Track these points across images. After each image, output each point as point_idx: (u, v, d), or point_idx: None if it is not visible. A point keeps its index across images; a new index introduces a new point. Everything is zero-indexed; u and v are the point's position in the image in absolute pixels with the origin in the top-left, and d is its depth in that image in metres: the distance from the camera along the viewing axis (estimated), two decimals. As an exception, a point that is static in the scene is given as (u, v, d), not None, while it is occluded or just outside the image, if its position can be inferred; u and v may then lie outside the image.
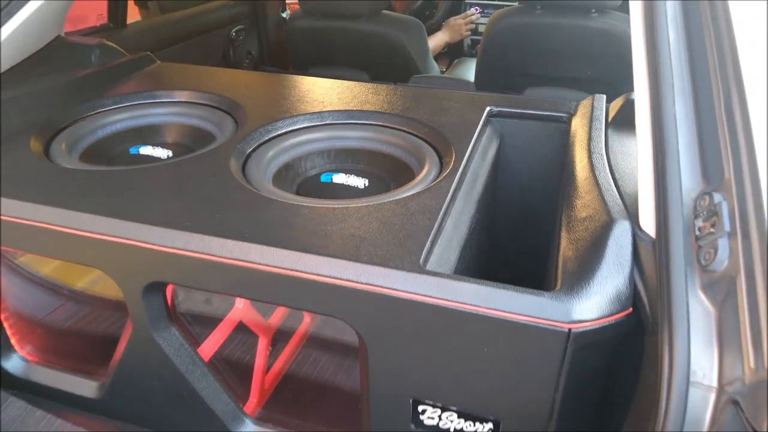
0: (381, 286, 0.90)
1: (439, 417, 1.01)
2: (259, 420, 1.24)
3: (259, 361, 1.40)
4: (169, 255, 1.00)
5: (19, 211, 1.08)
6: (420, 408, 1.01)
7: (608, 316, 0.85)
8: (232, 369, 1.34)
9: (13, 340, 1.39)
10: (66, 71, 1.56)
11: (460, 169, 1.17)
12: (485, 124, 1.41)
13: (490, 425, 0.98)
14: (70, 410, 1.32)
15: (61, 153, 1.30)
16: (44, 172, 1.19)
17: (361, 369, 1.02)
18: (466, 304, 0.86)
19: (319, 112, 1.43)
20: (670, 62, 0.93)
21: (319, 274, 0.92)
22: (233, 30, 2.84)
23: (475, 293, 0.87)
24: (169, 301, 1.14)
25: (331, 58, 2.69)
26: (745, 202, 0.78)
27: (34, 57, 1.55)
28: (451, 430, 1.01)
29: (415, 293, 0.88)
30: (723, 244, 0.79)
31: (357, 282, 0.91)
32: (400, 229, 1.00)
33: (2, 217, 1.09)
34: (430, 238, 0.98)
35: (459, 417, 0.99)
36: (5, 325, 1.37)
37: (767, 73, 0.83)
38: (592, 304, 0.84)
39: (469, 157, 1.24)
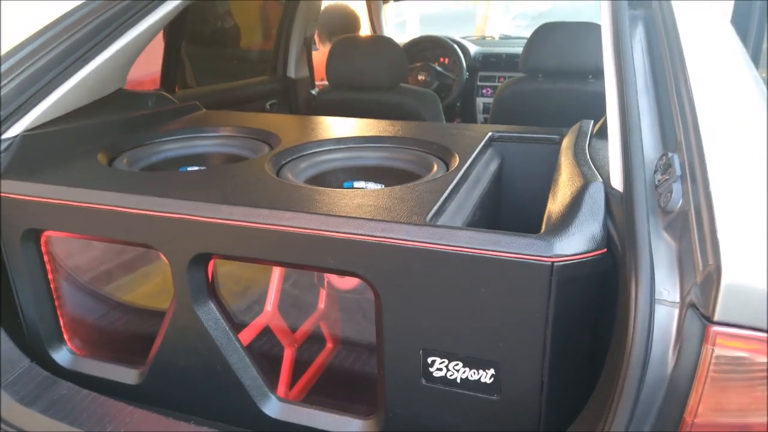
0: (391, 238, 1.06)
1: (447, 368, 1.12)
2: (284, 397, 1.35)
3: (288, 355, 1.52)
4: (213, 226, 1.18)
5: (83, 197, 1.28)
6: (429, 359, 1.12)
7: (585, 253, 0.99)
8: (262, 358, 1.47)
9: (65, 336, 1.54)
10: (126, 112, 1.83)
11: (464, 167, 1.36)
12: (487, 145, 1.61)
13: (491, 371, 1.09)
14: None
15: (123, 166, 1.53)
16: (110, 174, 1.41)
17: (377, 325, 1.15)
18: (463, 247, 1.02)
19: (343, 138, 1.65)
20: (633, 61, 1.14)
21: (339, 232, 1.09)
22: (268, 103, 3.17)
23: (470, 238, 1.02)
24: (210, 277, 1.30)
25: (354, 126, 2.99)
26: (692, 156, 0.94)
27: (98, 102, 1.82)
28: (458, 380, 1.12)
29: (420, 241, 1.04)
30: (677, 187, 0.94)
31: (371, 236, 1.07)
32: (410, 201, 1.17)
33: (68, 203, 1.29)
34: (435, 208, 1.15)
35: (464, 366, 1.11)
36: (61, 321, 1.53)
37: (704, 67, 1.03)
38: (571, 243, 0.99)
39: (472, 162, 1.43)
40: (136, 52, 1.85)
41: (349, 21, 4.21)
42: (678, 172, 0.95)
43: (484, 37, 4.76)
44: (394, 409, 1.19)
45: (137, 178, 1.37)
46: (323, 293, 1.82)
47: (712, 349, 0.79)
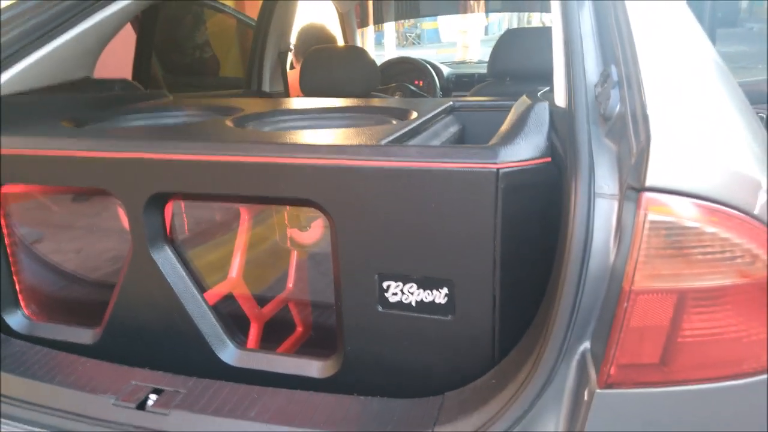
0: (343, 159, 1.08)
1: (402, 291, 1.12)
2: (241, 345, 1.33)
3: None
4: (168, 163, 1.19)
5: (35, 144, 1.29)
6: (385, 284, 1.13)
7: (529, 160, 1.03)
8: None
9: (21, 302, 1.51)
10: (90, 93, 1.86)
11: (423, 119, 1.41)
12: (448, 112, 1.66)
13: (445, 290, 1.10)
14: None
15: None
16: (68, 130, 1.42)
17: (333, 254, 1.16)
18: (414, 161, 1.04)
19: (308, 108, 1.69)
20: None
21: (291, 157, 1.11)
22: (241, 116, 3.24)
23: (421, 152, 1.05)
24: (167, 223, 1.30)
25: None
26: (628, 67, 0.99)
27: (63, 84, 1.84)
28: (413, 303, 1.12)
29: (372, 159, 1.07)
30: (614, 93, 0.99)
31: (323, 158, 1.09)
32: (364, 135, 1.20)
33: (21, 152, 1.29)
34: (390, 138, 1.18)
35: (419, 288, 1.11)
36: (17, 287, 1.51)
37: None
38: (515, 151, 1.03)
39: (431, 118, 1.48)
40: (104, 40, 1.89)
41: (326, 41, 4.33)
42: (615, 78, 1.00)
43: (464, 62, 4.93)
44: (352, 342, 1.18)
45: (92, 131, 1.39)
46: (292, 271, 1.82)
47: (645, 214, 0.81)
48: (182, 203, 1.60)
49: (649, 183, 0.81)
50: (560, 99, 1.11)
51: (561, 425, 0.92)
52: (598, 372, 0.86)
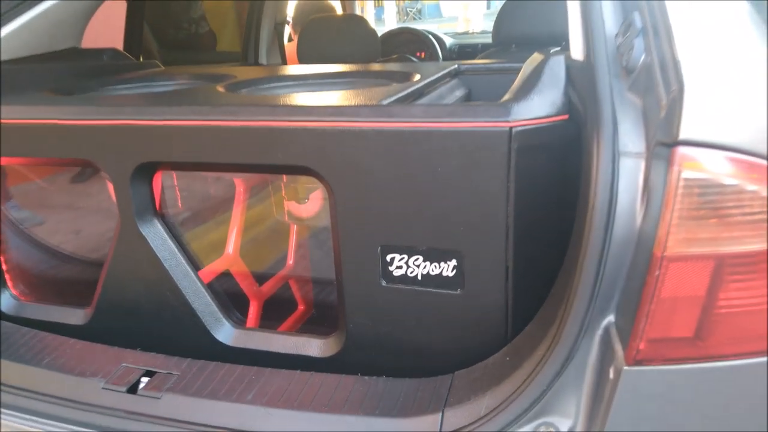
0: (342, 121, 0.99)
1: (407, 264, 1.04)
2: (239, 324, 1.26)
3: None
4: (155, 130, 1.11)
5: (15, 113, 1.20)
6: (388, 257, 1.05)
7: (545, 117, 0.94)
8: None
9: (9, 284, 1.44)
10: (79, 62, 1.77)
11: (426, 80, 1.31)
12: (453, 75, 1.56)
13: (453, 262, 1.02)
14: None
15: None
16: (46, 98, 1.33)
17: (332, 226, 1.08)
18: (419, 122, 0.95)
19: (304, 74, 1.60)
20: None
21: (286, 120, 1.03)
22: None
23: (426, 111, 0.96)
24: (156, 196, 1.22)
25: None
26: (653, 13, 0.90)
27: (50, 53, 1.75)
28: (418, 276, 1.04)
29: (373, 121, 0.98)
30: (638, 42, 0.90)
31: (320, 121, 1.00)
32: (363, 96, 1.11)
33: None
34: (392, 98, 1.09)
35: (424, 260, 1.03)
36: (3, 269, 1.44)
37: None
38: (530, 107, 0.93)
39: (436, 80, 1.38)
40: (90, 8, 1.79)
41: (325, 12, 4.21)
42: (639, 25, 0.90)
43: (466, 32, 4.80)
44: (354, 319, 1.11)
45: (76, 99, 1.30)
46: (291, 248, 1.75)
47: (678, 172, 0.73)
48: (174, 175, 1.52)
49: (682, 136, 0.72)
50: (577, 52, 1.01)
51: (583, 406, 0.85)
52: (626, 347, 0.78)
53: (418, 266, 1.04)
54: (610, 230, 0.80)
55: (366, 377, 1.07)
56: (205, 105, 1.11)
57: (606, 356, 0.83)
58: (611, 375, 0.80)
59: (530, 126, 0.92)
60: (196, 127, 1.08)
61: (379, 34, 4.07)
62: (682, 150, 0.73)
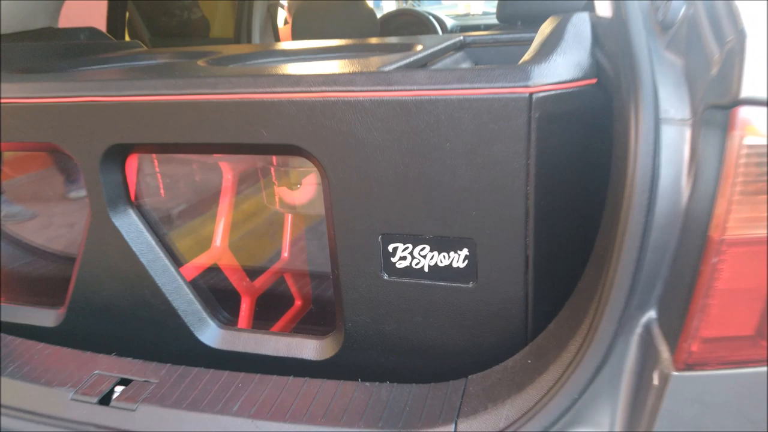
0: (334, 91, 0.86)
1: (411, 255, 0.92)
2: (226, 324, 1.14)
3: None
4: (126, 107, 0.98)
5: None
6: (390, 247, 0.92)
7: (570, 82, 0.81)
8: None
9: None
10: (53, 42, 1.64)
11: (430, 50, 1.18)
12: (458, 47, 1.43)
13: (465, 251, 0.89)
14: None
15: None
16: (9, 76, 1.21)
17: (326, 212, 0.95)
18: (423, 90, 0.82)
19: (294, 49, 1.47)
20: None
21: (271, 93, 0.90)
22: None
23: (431, 78, 0.83)
24: (131, 183, 1.09)
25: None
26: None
27: (23, 32, 1.62)
28: (425, 268, 0.92)
29: (370, 90, 0.85)
30: (677, -9, 0.76)
31: (309, 92, 0.87)
32: (359, 65, 0.98)
33: None
34: (392, 66, 0.96)
35: (432, 250, 0.91)
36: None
37: None
38: (552, 70, 0.80)
39: (439, 50, 1.25)
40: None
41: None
42: None
43: (467, 14, 4.66)
44: (353, 318, 0.98)
45: (41, 77, 1.17)
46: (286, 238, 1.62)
47: (740, 138, 0.60)
48: (155, 161, 1.39)
49: (744, 94, 0.59)
50: (604, 8, 0.88)
51: (619, 418, 0.73)
52: (674, 349, 0.65)
53: (424, 257, 0.91)
54: (651, 210, 0.68)
55: (367, 383, 0.95)
56: (180, 78, 0.98)
57: (647, 359, 0.71)
58: (655, 381, 0.68)
59: (553, 92, 0.79)
60: (170, 102, 0.95)
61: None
62: (744, 111, 0.60)
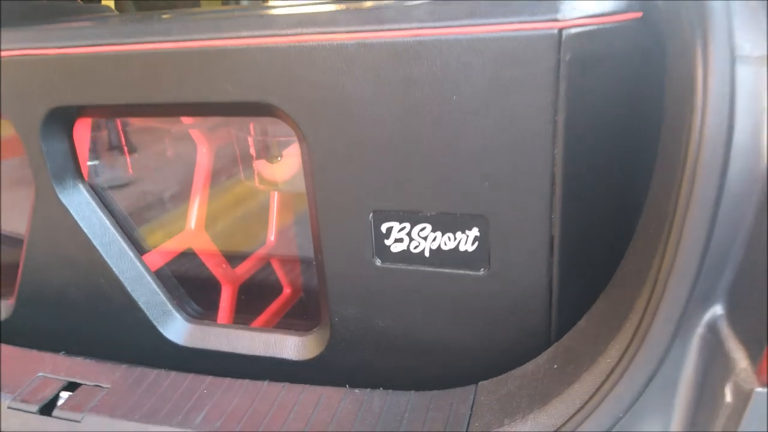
0: (312, 33, 0.70)
1: (409, 236, 0.76)
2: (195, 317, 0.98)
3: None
4: (69, 60, 0.82)
5: None
6: (384, 227, 0.76)
7: (608, 15, 0.64)
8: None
9: None
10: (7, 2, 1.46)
11: None
12: None
13: (475, 231, 0.73)
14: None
15: None
16: None
17: (307, 185, 0.79)
18: (421, 28, 0.66)
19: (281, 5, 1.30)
20: None
21: (236, 38, 0.73)
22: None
23: (431, 13, 0.66)
24: (82, 153, 0.93)
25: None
26: None
27: None
28: (425, 252, 0.76)
29: (357, 30, 0.68)
30: None
31: (282, 36, 0.71)
32: (344, 3, 0.81)
33: None
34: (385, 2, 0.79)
35: (434, 230, 0.75)
36: None
37: None
38: (587, 1, 0.63)
39: None
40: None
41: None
42: None
43: None
44: (340, 311, 0.82)
45: None
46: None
47: None
48: (121, 133, 1.23)
49: None
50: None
51: (675, 442, 0.57)
52: (756, 357, 0.49)
53: (424, 238, 0.75)
54: (724, 173, 0.51)
55: (357, 390, 0.79)
56: (129, 26, 0.82)
57: (713, 367, 0.55)
58: (728, 398, 0.52)
59: (588, 27, 0.63)
60: (116, 54, 0.79)
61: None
62: None
